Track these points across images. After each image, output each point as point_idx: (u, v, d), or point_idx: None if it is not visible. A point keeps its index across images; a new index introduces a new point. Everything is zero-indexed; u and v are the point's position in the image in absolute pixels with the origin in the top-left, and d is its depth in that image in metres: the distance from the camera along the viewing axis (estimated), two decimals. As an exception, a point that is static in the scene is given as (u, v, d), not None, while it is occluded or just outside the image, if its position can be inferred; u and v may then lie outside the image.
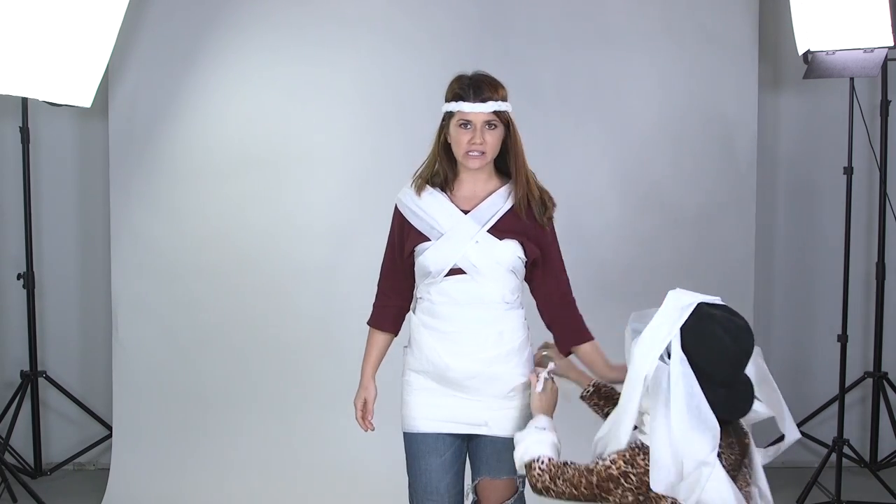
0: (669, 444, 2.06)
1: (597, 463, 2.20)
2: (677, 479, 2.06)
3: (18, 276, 4.16)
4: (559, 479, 2.26)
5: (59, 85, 3.73)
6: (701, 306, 2.14)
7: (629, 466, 2.15)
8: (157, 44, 4.11)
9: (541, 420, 2.46)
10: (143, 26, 4.09)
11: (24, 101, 4.03)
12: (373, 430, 2.68)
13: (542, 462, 2.32)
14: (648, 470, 2.10)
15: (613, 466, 2.16)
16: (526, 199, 2.53)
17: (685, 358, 2.08)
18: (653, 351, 2.11)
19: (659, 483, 2.07)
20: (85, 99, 3.83)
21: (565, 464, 2.29)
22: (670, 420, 2.06)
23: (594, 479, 2.19)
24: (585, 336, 2.61)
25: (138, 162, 4.13)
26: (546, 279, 2.60)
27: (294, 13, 4.08)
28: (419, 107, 3.93)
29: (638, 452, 2.15)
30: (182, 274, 4.13)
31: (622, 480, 2.15)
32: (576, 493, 2.23)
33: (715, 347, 2.09)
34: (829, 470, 4.02)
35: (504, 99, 2.50)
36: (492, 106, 2.46)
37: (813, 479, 4.03)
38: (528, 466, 2.34)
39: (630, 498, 2.17)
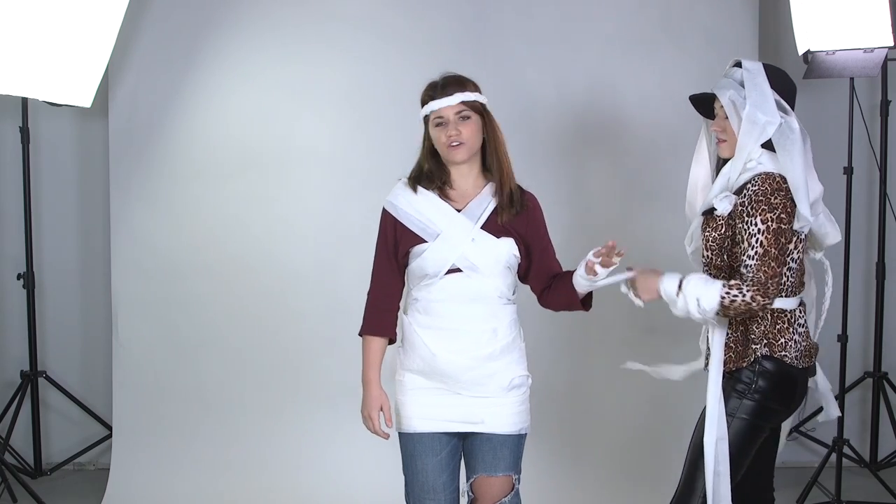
0: (804, 179, 2.45)
1: (753, 246, 2.42)
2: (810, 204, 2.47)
3: (18, 276, 4.17)
4: (769, 286, 2.40)
5: (59, 85, 3.73)
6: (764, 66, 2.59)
7: (777, 210, 2.42)
8: (157, 44, 4.11)
9: (669, 279, 2.49)
10: (143, 26, 4.09)
11: (24, 101, 4.04)
12: (388, 437, 2.67)
13: (734, 292, 2.41)
14: (786, 205, 2.44)
15: (770, 226, 2.42)
16: (508, 191, 2.58)
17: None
18: (773, 113, 2.49)
19: (804, 216, 2.47)
20: (85, 99, 3.84)
21: (741, 277, 2.44)
22: (801, 159, 2.47)
23: (773, 251, 2.42)
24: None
25: (138, 162, 4.13)
26: (540, 264, 2.65)
27: (293, 13, 4.08)
28: (417, 108, 3.91)
29: (772, 201, 2.43)
30: (182, 274, 4.13)
31: (781, 225, 2.43)
32: (779, 278, 2.44)
33: (790, 81, 2.62)
34: (829, 470, 4.02)
35: (474, 91, 2.58)
36: (458, 97, 2.54)
37: (813, 479, 4.03)
38: (725, 307, 2.41)
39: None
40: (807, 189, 2.48)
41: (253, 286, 4.11)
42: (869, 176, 4.44)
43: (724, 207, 2.51)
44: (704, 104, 2.68)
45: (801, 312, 2.59)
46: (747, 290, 2.40)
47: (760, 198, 2.44)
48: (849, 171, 3.95)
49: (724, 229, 2.53)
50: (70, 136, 4.43)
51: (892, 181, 4.29)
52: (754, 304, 2.40)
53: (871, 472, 4.20)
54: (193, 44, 4.10)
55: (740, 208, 2.48)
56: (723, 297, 2.41)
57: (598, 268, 2.51)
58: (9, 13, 3.57)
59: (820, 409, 4.37)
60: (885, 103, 4.11)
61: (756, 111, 2.49)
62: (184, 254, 4.13)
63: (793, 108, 2.58)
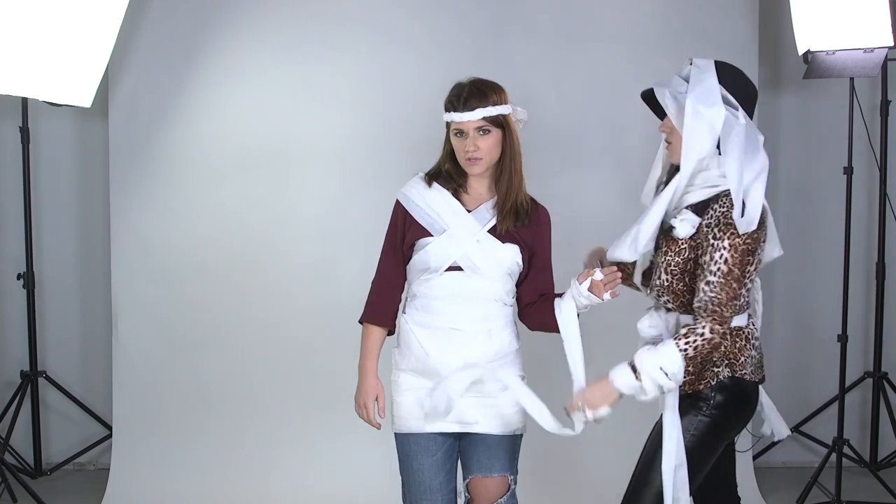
0: (739, 177, 2.27)
1: (717, 263, 2.28)
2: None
3: (18, 276, 4.17)
4: (725, 309, 2.30)
5: (59, 85, 3.73)
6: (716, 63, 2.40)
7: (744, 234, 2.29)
8: (157, 44, 4.11)
9: (619, 371, 2.37)
10: (143, 26, 4.09)
11: (24, 101, 4.04)
12: (380, 427, 2.68)
13: (692, 338, 2.30)
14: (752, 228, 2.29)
15: (738, 246, 2.28)
16: (512, 204, 2.57)
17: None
18: (717, 105, 2.31)
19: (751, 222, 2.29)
20: (85, 99, 3.84)
21: (700, 304, 2.31)
22: (740, 155, 2.29)
23: (737, 272, 2.29)
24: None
25: (138, 162, 4.13)
26: (535, 279, 2.66)
27: (294, 13, 4.08)
28: (418, 107, 3.93)
29: (730, 222, 2.28)
30: (182, 274, 4.13)
31: (749, 248, 2.30)
32: (738, 301, 2.32)
33: (748, 82, 2.41)
34: (829, 470, 4.02)
35: (497, 103, 2.53)
36: (480, 113, 2.51)
37: (813, 479, 4.03)
38: (691, 358, 2.30)
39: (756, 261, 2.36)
40: (740, 189, 2.28)
41: (253, 286, 4.12)
42: (869, 176, 4.44)
43: (685, 231, 2.37)
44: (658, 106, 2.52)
45: (753, 325, 2.50)
46: (704, 326, 2.30)
47: (730, 220, 2.29)
48: (849, 171, 3.95)
49: (687, 253, 2.38)
50: (70, 136, 4.43)
51: (892, 181, 4.29)
52: (715, 336, 2.30)
53: (871, 472, 4.19)
54: (193, 44, 4.10)
55: (706, 230, 2.33)
56: (685, 351, 2.29)
57: (593, 297, 2.49)
58: (9, 13, 3.57)
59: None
60: (885, 103, 4.11)
61: (697, 104, 2.32)
62: (184, 254, 4.13)
63: (751, 116, 2.41)
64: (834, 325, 4.07)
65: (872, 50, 3.72)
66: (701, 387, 2.42)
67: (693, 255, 2.38)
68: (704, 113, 2.32)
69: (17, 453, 4.22)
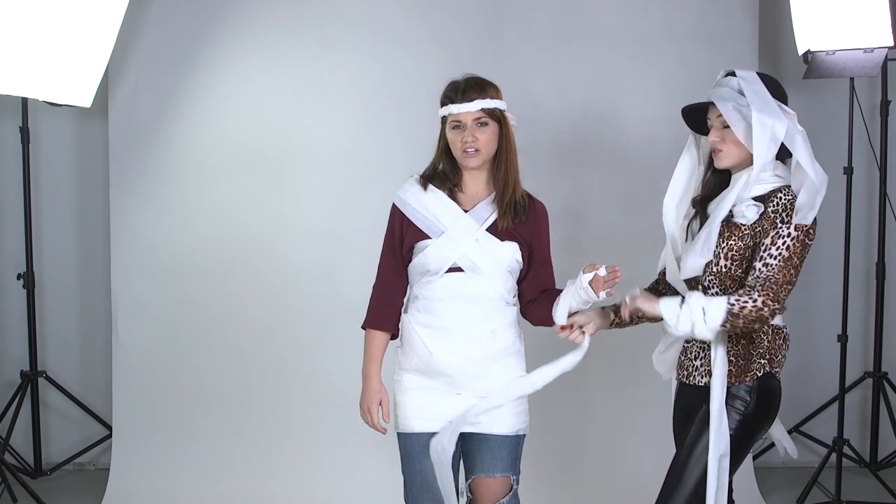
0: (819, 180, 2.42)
1: (779, 248, 2.37)
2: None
3: (18, 276, 4.17)
4: (782, 291, 2.37)
5: (59, 85, 3.73)
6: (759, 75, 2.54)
7: (808, 224, 2.39)
8: (157, 44, 4.11)
9: (668, 301, 2.44)
10: (143, 26, 4.09)
11: (24, 101, 4.04)
12: (385, 432, 2.68)
13: (743, 299, 2.36)
14: (807, 222, 2.39)
15: (799, 236, 2.38)
16: (511, 201, 2.57)
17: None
18: (778, 116, 2.44)
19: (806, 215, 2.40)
20: (85, 99, 3.84)
21: (758, 279, 2.37)
22: (811, 155, 2.43)
23: (796, 261, 2.39)
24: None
25: (138, 162, 4.13)
26: (536, 275, 2.66)
27: (294, 13, 4.09)
28: (418, 107, 3.92)
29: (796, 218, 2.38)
30: (182, 274, 4.13)
31: (807, 240, 2.40)
32: (791, 287, 2.40)
33: (782, 87, 2.55)
34: (829, 470, 4.02)
35: (494, 97, 2.57)
36: (478, 104, 2.54)
37: (813, 479, 4.03)
38: (734, 315, 2.35)
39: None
40: (819, 182, 2.43)
41: (253, 286, 4.12)
42: (869, 176, 4.44)
43: (752, 215, 2.44)
44: (694, 117, 2.60)
45: (786, 328, 2.56)
46: (758, 296, 2.34)
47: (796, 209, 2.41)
48: (849, 171, 3.95)
49: (748, 239, 2.45)
50: (70, 136, 4.43)
51: (892, 181, 4.30)
52: (765, 309, 2.34)
53: (871, 472, 4.20)
54: (193, 44, 4.10)
55: (772, 215, 2.41)
56: (731, 305, 2.33)
57: (591, 292, 2.49)
58: (9, 13, 3.57)
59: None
60: (885, 103, 4.11)
61: (763, 116, 2.43)
62: (184, 254, 4.13)
63: None
64: (834, 325, 4.07)
65: (872, 50, 3.72)
66: (747, 379, 2.47)
67: (753, 243, 2.45)
68: (769, 124, 2.43)
69: (17, 453, 4.23)
